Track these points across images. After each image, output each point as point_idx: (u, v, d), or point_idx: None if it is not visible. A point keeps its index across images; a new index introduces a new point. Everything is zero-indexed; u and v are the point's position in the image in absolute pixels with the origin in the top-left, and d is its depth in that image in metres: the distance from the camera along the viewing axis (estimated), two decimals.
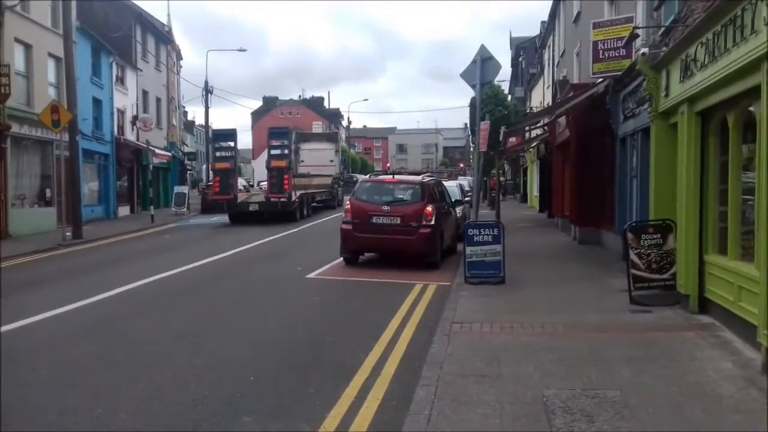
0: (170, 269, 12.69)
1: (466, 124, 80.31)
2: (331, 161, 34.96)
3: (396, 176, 15.32)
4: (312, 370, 6.32)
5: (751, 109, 6.65)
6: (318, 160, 33.84)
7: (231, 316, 8.88)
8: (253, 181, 50.64)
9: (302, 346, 7.28)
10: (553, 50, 27.57)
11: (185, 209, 30.18)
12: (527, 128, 25.88)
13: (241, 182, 32.11)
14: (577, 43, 19.74)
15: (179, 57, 43.43)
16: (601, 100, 13.64)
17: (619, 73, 12.38)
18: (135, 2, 34.89)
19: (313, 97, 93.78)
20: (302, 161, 33.08)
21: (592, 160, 16.07)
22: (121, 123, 30.88)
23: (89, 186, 26.78)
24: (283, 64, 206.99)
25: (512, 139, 25.41)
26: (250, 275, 12.53)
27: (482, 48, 12.59)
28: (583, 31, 17.31)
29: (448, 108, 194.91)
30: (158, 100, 36.71)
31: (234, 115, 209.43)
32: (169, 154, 37.11)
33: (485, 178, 33.03)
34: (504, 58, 49.40)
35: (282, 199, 24.03)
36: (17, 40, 20.29)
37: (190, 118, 75.15)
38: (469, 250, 10.66)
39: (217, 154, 25.62)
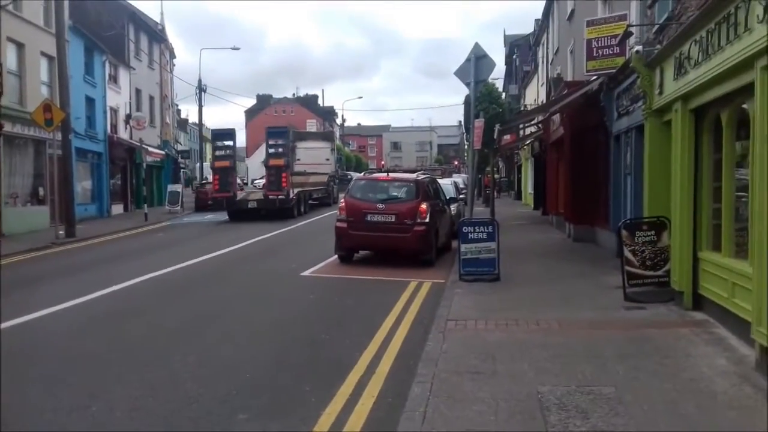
0: (164, 267, 12.66)
1: (460, 121, 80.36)
2: (327, 159, 35.45)
3: (390, 174, 15.31)
4: (307, 367, 6.32)
5: (744, 106, 6.68)
6: (314, 158, 34.24)
7: (226, 313, 8.86)
8: (247, 178, 50.52)
9: (297, 343, 7.27)
10: (547, 48, 27.61)
11: (179, 207, 30.16)
12: (521, 126, 25.93)
13: None
14: (571, 40, 19.76)
15: (172, 55, 43.29)
16: (596, 97, 13.66)
17: (613, 70, 12.39)
18: (128, 1, 34.76)
19: (307, 95, 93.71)
20: (298, 159, 33.30)
21: (586, 157, 16.10)
22: (114, 121, 30.77)
23: (82, 184, 26.68)
24: (277, 62, 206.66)
25: (507, 137, 25.47)
26: (244, 273, 12.51)
27: (476, 46, 12.60)
28: (576, 29, 17.33)
29: (443, 106, 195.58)
30: (151, 98, 36.58)
31: (228, 113, 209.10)
32: (163, 152, 37.01)
33: (480, 176, 33.06)
34: (498, 55, 49.61)
35: (280, 197, 24.46)
36: (9, 39, 20.15)
37: (183, 116, 75.02)
38: (463, 247, 10.68)
39: (217, 153, 26.19)
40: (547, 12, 26.83)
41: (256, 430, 4.85)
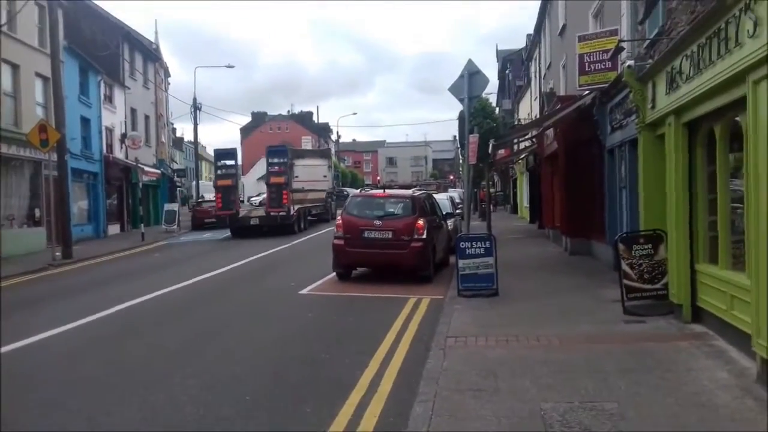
0: (162, 288, 12.63)
1: (455, 136, 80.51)
2: (324, 176, 36.08)
3: (387, 190, 15.34)
4: (308, 388, 6.30)
5: (737, 119, 6.73)
6: (311, 175, 34.69)
7: (225, 334, 8.83)
8: (243, 196, 50.56)
9: (297, 363, 7.24)
10: (540, 63, 27.83)
11: (176, 226, 30.16)
12: (516, 140, 26.05)
13: None
14: (563, 55, 19.93)
15: (167, 74, 43.47)
16: (589, 111, 13.75)
17: (606, 85, 12.49)
18: (122, 21, 34.98)
19: (302, 112, 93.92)
20: (297, 177, 33.63)
21: (581, 171, 16.19)
22: (109, 141, 30.81)
23: (79, 205, 26.64)
24: (272, 79, 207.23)
25: (501, 151, 25.57)
26: (243, 292, 12.48)
27: (469, 62, 12.69)
28: (568, 44, 17.48)
29: (437, 121, 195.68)
30: (147, 117, 36.66)
31: (223, 131, 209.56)
32: (159, 171, 37.04)
33: (475, 190, 33.16)
34: (491, 70, 49.83)
35: (281, 213, 25.52)
36: (4, 60, 20.22)
37: (179, 134, 74.93)
38: (461, 262, 10.69)
39: (219, 172, 26.93)
40: (539, 27, 27.07)
41: None
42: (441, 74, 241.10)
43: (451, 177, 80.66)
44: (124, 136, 31.90)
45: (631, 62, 10.16)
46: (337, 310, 10.45)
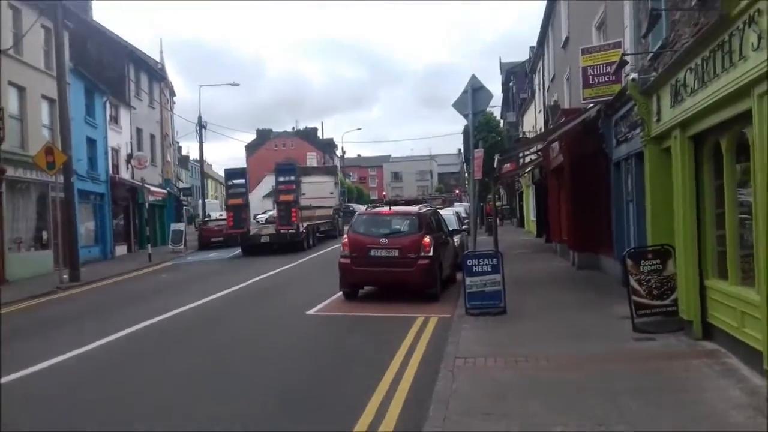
0: (168, 311, 12.56)
1: (460, 149, 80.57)
2: (331, 193, 36.61)
3: (392, 208, 15.31)
4: (316, 413, 6.23)
5: (744, 131, 6.67)
6: (318, 192, 35.25)
7: (231, 358, 8.76)
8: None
9: (305, 387, 7.17)
10: (543, 75, 27.84)
11: (182, 246, 30.19)
12: (521, 154, 26.01)
13: None
14: (566, 68, 19.92)
15: (172, 93, 43.71)
16: (594, 124, 13.71)
17: (610, 98, 12.45)
18: (128, 41, 35.25)
19: (306, 128, 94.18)
20: (304, 194, 34.01)
21: (587, 184, 16.10)
22: (115, 162, 30.95)
23: (86, 226, 26.71)
24: (276, 95, 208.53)
25: (507, 165, 25.51)
26: (249, 314, 12.42)
27: (473, 78, 12.71)
28: (572, 56, 17.47)
29: (442, 135, 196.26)
30: (152, 137, 36.84)
31: (228, 149, 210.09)
32: (165, 191, 37.14)
33: (481, 204, 33.12)
34: (494, 83, 49.97)
35: (291, 231, 25.76)
36: (11, 83, 20.39)
37: (184, 153, 75.44)
38: (468, 280, 10.62)
39: (230, 191, 27.25)
40: (542, 40, 27.12)
41: None
42: (446, 87, 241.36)
43: (457, 191, 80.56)
44: (130, 157, 32.06)
45: (635, 75, 10.13)
46: (344, 332, 10.37)
